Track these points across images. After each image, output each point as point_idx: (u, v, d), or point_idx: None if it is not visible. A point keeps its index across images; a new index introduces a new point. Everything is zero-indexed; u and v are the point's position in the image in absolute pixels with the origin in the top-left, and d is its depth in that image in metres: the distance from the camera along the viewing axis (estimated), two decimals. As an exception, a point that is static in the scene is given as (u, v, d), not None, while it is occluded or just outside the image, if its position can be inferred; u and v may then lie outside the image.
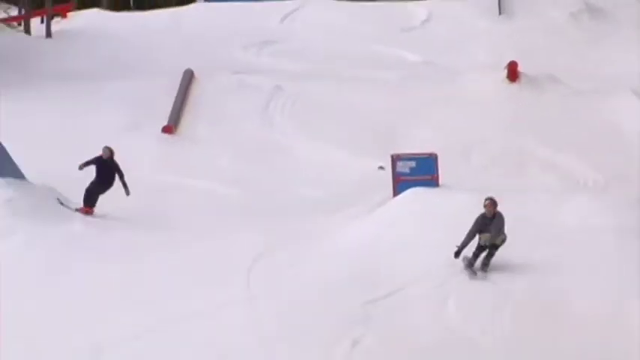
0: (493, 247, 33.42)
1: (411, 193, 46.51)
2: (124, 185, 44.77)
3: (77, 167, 42.59)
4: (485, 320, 35.38)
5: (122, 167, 58.28)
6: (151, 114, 69.90)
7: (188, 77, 75.19)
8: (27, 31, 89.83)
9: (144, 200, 51.79)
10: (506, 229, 40.50)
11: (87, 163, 42.19)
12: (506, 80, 74.11)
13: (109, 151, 39.16)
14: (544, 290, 36.91)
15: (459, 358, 33.12)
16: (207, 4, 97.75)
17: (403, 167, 50.90)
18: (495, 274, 38.36)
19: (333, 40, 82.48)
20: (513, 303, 35.92)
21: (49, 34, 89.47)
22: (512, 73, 75.12)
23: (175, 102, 72.81)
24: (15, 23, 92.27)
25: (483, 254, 34.35)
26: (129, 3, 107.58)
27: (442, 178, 49.51)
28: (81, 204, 50.12)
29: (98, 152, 59.66)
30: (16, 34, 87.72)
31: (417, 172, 50.21)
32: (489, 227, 32.20)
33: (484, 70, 75.03)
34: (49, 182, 50.95)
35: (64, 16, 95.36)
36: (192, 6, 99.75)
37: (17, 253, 42.02)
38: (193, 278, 39.50)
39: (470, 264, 33.07)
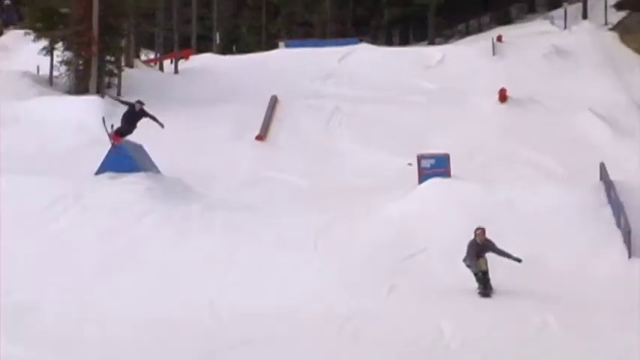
0: (483, 273, 32.45)
1: (431, 182, 47.99)
2: (157, 121, 46.02)
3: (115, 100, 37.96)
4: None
5: (227, 165, 60.55)
6: (248, 127, 71.34)
7: (274, 101, 76.14)
8: (161, 69, 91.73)
9: (241, 188, 54.85)
10: (499, 208, 42.77)
11: (122, 102, 42.57)
12: (498, 102, 75.40)
13: (140, 104, 40.19)
14: (528, 251, 38.61)
15: (467, 297, 34.68)
16: (286, 49, 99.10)
17: (425, 163, 52.47)
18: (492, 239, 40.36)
19: (375, 74, 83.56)
20: (507, 261, 37.70)
21: (176, 71, 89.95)
22: (502, 96, 76.24)
23: (265, 118, 74.05)
24: (152, 64, 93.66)
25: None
26: (232, 49, 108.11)
27: (453, 171, 50.76)
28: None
29: (211, 155, 61.92)
30: (154, 71, 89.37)
31: (435, 167, 51.66)
32: (482, 252, 31.63)
33: (483, 94, 75.82)
34: (177, 175, 52.53)
35: (186, 58, 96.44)
36: (276, 50, 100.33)
37: (155, 226, 43.92)
38: (276, 245, 41.32)
39: (484, 291, 32.07)
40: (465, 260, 30.99)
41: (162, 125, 38.95)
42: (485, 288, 30.88)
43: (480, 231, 30.50)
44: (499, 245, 35.18)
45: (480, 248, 30.45)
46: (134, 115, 41.09)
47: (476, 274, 30.81)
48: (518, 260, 29.51)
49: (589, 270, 37.31)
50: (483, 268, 30.45)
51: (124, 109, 74.85)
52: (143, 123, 49.00)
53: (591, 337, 28.33)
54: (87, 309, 33.85)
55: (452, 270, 37.12)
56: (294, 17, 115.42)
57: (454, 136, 60.40)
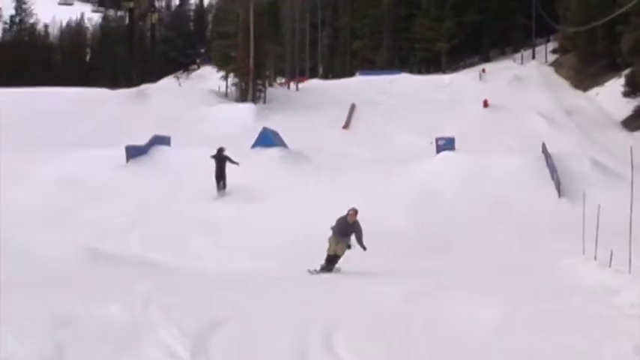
0: (335, 257, 24.49)
1: (443, 154, 47.43)
2: (234, 162, 38.87)
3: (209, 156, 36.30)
4: (470, 207, 37.72)
5: (326, 143, 60.70)
6: (338, 121, 71.42)
7: (353, 106, 75.34)
8: (288, 87, 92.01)
9: (334, 157, 54.11)
10: (482, 169, 42.92)
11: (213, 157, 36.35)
12: (482, 107, 74.74)
13: (221, 150, 34.72)
14: (499, 194, 38.92)
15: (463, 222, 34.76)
16: (360, 76, 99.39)
17: (440, 142, 52.37)
18: (472, 187, 40.53)
19: (411, 91, 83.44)
20: (480, 205, 37.82)
21: (297, 89, 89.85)
22: (485, 104, 75.07)
23: (347, 116, 73.89)
24: (284, 85, 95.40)
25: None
26: (329, 76, 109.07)
27: (456, 147, 50.65)
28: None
29: (317, 137, 62.09)
30: (284, 89, 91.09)
31: (446, 144, 51.36)
32: (348, 232, 24.43)
33: (473, 103, 75.27)
34: (298, 149, 52.57)
35: (303, 82, 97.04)
36: (354, 77, 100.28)
37: (285, 177, 43.65)
38: (354, 187, 41.06)
39: (327, 267, 24.02)
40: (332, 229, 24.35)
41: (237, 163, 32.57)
42: (328, 266, 23.93)
43: (353, 211, 24.43)
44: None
45: (346, 227, 24.25)
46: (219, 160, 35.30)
47: (328, 251, 23.98)
48: (364, 248, 23.43)
49: (536, 204, 37.56)
50: (339, 252, 24.13)
51: (273, 108, 77.43)
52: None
53: (537, 243, 28.70)
54: (257, 222, 34.13)
55: (456, 204, 37.99)
56: (365, 57, 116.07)
57: (456, 127, 60.15)
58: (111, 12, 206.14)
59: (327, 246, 23.35)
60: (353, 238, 23.79)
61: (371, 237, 28.68)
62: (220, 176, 37.29)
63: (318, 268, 23.21)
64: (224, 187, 37.79)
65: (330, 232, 23.92)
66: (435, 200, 37.93)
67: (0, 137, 53.98)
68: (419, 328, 11.98)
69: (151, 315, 11.28)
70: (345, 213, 24.08)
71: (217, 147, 35.56)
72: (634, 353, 10.00)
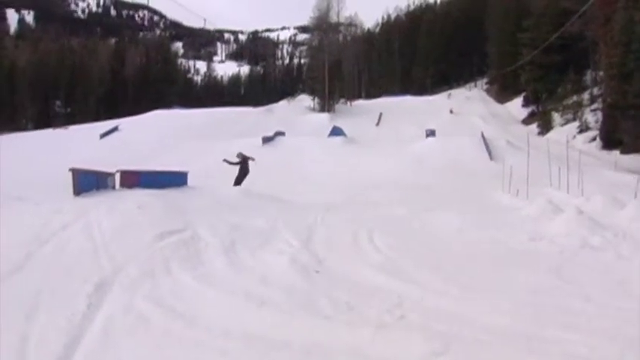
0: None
1: (430, 139, 47.08)
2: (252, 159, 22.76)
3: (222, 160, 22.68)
4: (442, 167, 37.24)
5: (368, 133, 59.92)
6: (373, 121, 69.87)
7: (380, 114, 73.31)
8: (346, 104, 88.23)
9: (369, 141, 52.01)
10: (451, 145, 42.38)
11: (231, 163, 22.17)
12: (450, 113, 73.49)
13: (243, 156, 22.04)
14: (457, 159, 38.48)
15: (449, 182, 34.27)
16: (384, 98, 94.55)
17: (428, 131, 51.80)
18: (443, 156, 40.02)
19: (415, 105, 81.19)
20: (447, 166, 37.32)
21: (351, 105, 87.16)
22: (451, 111, 73.56)
23: (378, 119, 72.05)
24: (347, 102, 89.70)
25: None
26: (364, 97, 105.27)
27: (437, 134, 50.07)
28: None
29: (362, 130, 61.31)
30: (345, 105, 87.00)
31: (431, 133, 51.01)
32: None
33: (444, 110, 74.12)
34: (351, 136, 52.18)
35: (354, 101, 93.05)
36: (381, 98, 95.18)
37: (344, 152, 43.73)
38: (382, 155, 41.01)
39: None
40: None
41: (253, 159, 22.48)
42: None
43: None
44: None
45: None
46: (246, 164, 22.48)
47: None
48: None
49: (477, 164, 37.03)
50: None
51: (339, 115, 75.77)
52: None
53: (477, 185, 28.37)
54: (330, 174, 33.81)
55: (438, 162, 37.43)
56: (386, 87, 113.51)
57: (435, 123, 58.77)
58: (252, 67, 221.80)
59: None
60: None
61: (388, 184, 28.66)
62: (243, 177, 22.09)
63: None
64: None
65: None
66: (423, 163, 37.52)
67: (195, 134, 55.27)
68: (416, 228, 12.12)
69: (278, 225, 11.43)
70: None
71: (242, 154, 22.39)
72: (528, 237, 10.21)
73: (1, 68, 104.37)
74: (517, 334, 5.18)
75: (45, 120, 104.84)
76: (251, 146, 41.80)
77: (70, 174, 14.29)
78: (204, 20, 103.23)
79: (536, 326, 5.32)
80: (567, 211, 11.64)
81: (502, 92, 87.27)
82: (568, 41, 57.12)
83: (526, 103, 73.75)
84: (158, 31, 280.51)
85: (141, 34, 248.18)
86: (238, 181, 21.01)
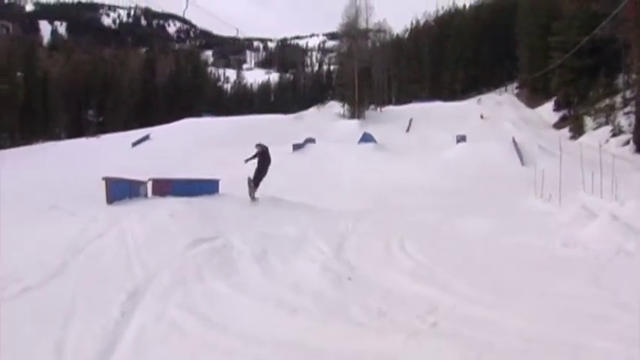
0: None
1: (460, 144, 46.79)
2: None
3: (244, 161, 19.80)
4: (473, 172, 37.01)
5: (397, 139, 59.68)
6: (403, 127, 69.21)
7: (410, 119, 72.58)
8: (376, 110, 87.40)
9: (399, 147, 52.04)
10: (482, 149, 42.06)
11: (251, 159, 19.06)
12: (480, 118, 72.78)
13: (261, 146, 19.20)
14: (488, 164, 38.21)
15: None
16: (414, 103, 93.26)
17: (459, 138, 51.47)
18: (474, 161, 39.74)
19: (445, 110, 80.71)
20: (478, 171, 37.04)
21: (381, 111, 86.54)
22: (481, 117, 72.64)
23: (408, 125, 71.50)
24: (377, 108, 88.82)
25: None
26: (395, 103, 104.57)
27: (467, 140, 49.63)
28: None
29: (394, 136, 61.07)
30: (374, 111, 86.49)
31: (461, 138, 50.71)
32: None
33: (475, 115, 73.61)
34: (381, 142, 52.00)
35: (384, 107, 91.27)
36: (411, 104, 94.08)
37: (375, 158, 43.77)
38: (413, 161, 41.13)
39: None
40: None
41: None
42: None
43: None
44: None
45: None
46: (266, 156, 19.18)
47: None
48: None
49: (509, 169, 36.77)
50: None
51: (369, 122, 75.62)
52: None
53: (509, 190, 28.12)
54: (360, 180, 33.77)
55: (469, 168, 37.15)
56: (416, 93, 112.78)
57: (466, 129, 58.25)
58: (281, 74, 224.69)
59: None
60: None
61: (419, 190, 28.56)
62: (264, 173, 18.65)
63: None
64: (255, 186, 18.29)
65: None
66: (454, 169, 37.30)
67: (226, 142, 55.47)
68: (447, 234, 12.08)
69: (309, 232, 11.49)
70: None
71: (261, 144, 19.64)
72: (561, 243, 10.07)
73: (35, 78, 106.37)
74: (553, 342, 5.07)
75: (77, 129, 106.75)
76: (281, 154, 42.08)
77: (103, 183, 14.56)
78: (237, 30, 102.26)
79: (572, 334, 5.21)
80: (601, 217, 11.42)
81: (533, 96, 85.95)
82: (599, 44, 56.21)
83: (557, 108, 72.56)
84: (188, 41, 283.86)
85: (171, 43, 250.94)
86: (258, 175, 18.21)
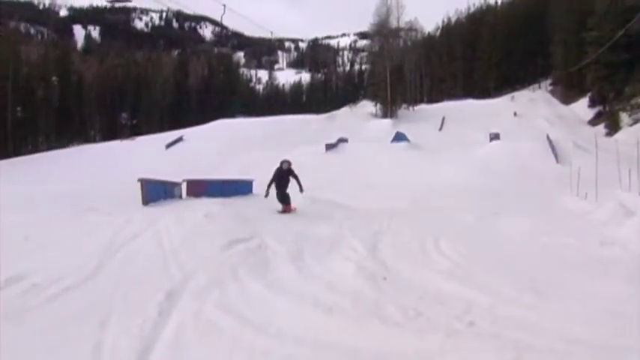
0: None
1: (494, 142, 46.73)
2: (300, 185, 16.73)
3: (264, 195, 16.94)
4: (507, 170, 36.62)
5: (429, 137, 59.34)
6: (436, 126, 69.39)
7: (443, 118, 73.43)
8: (409, 109, 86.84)
9: (433, 146, 51.70)
10: (516, 148, 41.68)
11: (269, 187, 16.82)
12: (513, 116, 72.37)
13: (288, 163, 17.26)
14: (522, 163, 37.81)
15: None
16: (446, 102, 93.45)
17: (492, 135, 51.25)
18: (508, 159, 39.41)
19: (473, 108, 79.89)
20: (513, 169, 36.67)
21: (413, 110, 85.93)
22: (514, 114, 72.42)
23: (441, 123, 71.40)
24: (409, 107, 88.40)
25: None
26: (426, 102, 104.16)
27: (501, 138, 49.28)
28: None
29: (424, 135, 60.73)
30: (407, 110, 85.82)
31: (495, 136, 50.49)
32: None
33: (508, 113, 73.03)
34: (415, 142, 51.81)
35: (416, 105, 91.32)
36: (443, 102, 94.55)
37: (408, 158, 43.59)
38: (437, 164, 40.79)
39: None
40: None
41: (301, 189, 16.65)
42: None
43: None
44: None
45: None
46: (281, 173, 17.08)
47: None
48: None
49: (544, 167, 36.53)
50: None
51: (401, 121, 75.08)
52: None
53: (545, 189, 27.86)
54: (394, 180, 33.82)
55: (503, 167, 36.77)
56: (448, 92, 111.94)
57: (499, 127, 58.10)
58: (313, 74, 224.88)
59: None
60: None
61: (453, 189, 28.39)
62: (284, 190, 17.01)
63: None
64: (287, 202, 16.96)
65: None
66: (488, 168, 37.29)
67: (258, 142, 55.71)
68: (483, 233, 12.04)
69: (343, 232, 11.47)
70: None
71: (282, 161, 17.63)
72: (599, 243, 9.98)
73: (70, 82, 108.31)
74: (594, 343, 4.98)
75: (112, 131, 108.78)
76: (314, 153, 42.21)
77: (138, 184, 14.70)
78: (271, 33, 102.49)
79: (613, 336, 5.13)
80: (638, 214, 11.31)
81: (567, 93, 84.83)
82: (634, 39, 55.28)
83: (592, 104, 71.38)
84: (220, 42, 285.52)
85: (203, 45, 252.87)
86: (279, 194, 16.90)
